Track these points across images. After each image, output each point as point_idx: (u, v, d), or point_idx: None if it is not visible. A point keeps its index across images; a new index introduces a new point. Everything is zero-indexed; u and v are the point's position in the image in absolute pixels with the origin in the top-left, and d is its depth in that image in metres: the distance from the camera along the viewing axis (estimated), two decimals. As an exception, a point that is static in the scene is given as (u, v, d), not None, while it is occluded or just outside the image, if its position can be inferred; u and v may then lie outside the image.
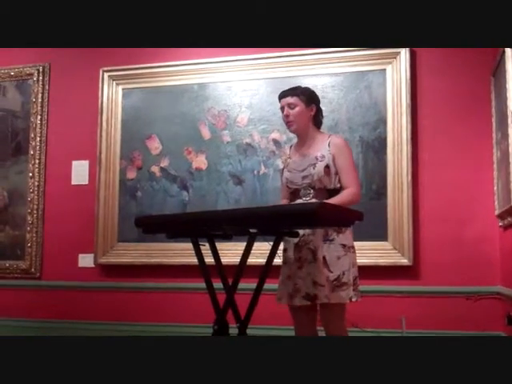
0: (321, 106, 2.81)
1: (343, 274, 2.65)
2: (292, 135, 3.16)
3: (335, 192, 2.73)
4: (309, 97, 2.83)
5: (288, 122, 2.83)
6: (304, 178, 2.75)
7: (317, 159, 2.75)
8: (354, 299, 2.66)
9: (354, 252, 2.74)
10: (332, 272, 2.64)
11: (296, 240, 2.69)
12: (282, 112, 2.84)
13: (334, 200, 2.65)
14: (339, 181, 2.75)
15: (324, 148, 2.77)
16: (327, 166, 2.72)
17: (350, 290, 2.65)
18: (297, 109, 2.79)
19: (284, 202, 2.92)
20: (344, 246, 2.69)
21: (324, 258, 2.66)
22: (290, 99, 2.80)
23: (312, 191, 2.73)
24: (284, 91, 2.86)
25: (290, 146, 3.02)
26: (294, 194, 2.81)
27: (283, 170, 2.91)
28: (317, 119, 2.89)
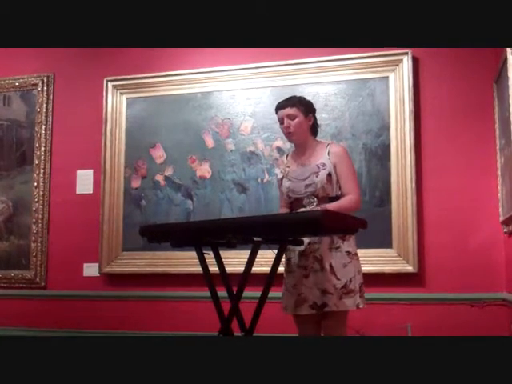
0: (324, 113, 2.82)
1: (350, 281, 2.66)
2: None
3: (337, 199, 2.74)
4: (306, 106, 2.84)
5: (289, 133, 2.83)
6: (307, 186, 2.75)
7: (318, 168, 2.75)
8: (360, 306, 2.68)
9: (358, 259, 2.75)
10: (339, 279, 2.65)
11: (302, 248, 2.69)
12: (281, 123, 2.84)
13: (332, 205, 2.66)
14: (340, 188, 2.76)
15: (324, 156, 2.78)
16: (329, 174, 2.73)
17: (356, 297, 2.66)
18: (297, 119, 2.79)
19: (283, 210, 2.91)
20: (349, 253, 2.70)
21: (331, 265, 2.66)
22: (289, 110, 2.79)
23: (316, 199, 2.73)
24: (282, 102, 2.84)
25: (286, 156, 3.01)
26: (296, 203, 2.80)
27: (282, 179, 2.88)
28: (314, 128, 2.90)
